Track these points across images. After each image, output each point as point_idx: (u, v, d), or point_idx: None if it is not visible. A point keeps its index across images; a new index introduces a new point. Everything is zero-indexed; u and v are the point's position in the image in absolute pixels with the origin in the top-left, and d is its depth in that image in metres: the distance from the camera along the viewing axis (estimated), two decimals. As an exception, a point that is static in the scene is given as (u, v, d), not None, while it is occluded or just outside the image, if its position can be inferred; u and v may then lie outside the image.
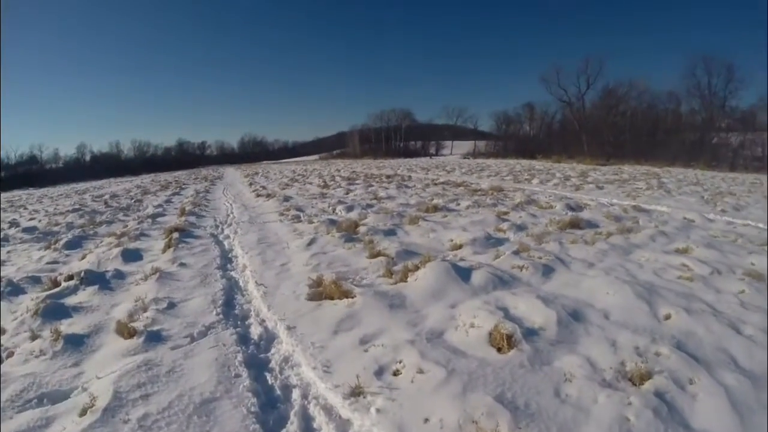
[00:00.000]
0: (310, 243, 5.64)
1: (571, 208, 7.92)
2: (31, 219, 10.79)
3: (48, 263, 5.68)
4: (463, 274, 3.95)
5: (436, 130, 66.80)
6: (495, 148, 44.89)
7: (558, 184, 12.90)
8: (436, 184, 13.61)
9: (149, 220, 8.58)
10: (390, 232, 6.25)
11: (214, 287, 4.28)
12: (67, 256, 6.04)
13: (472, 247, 5.16)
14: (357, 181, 15.58)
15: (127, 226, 8.13)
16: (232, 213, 9.37)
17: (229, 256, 5.61)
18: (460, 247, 5.28)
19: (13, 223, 10.04)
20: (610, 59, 54.70)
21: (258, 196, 12.03)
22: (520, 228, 6.16)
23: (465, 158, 42.11)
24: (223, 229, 7.40)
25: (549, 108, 42.02)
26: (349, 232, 6.12)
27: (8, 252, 6.67)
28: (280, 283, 4.27)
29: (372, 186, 13.46)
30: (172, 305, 3.83)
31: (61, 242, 6.67)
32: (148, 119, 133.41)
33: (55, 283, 4.62)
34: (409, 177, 17.73)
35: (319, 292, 3.91)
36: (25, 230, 8.51)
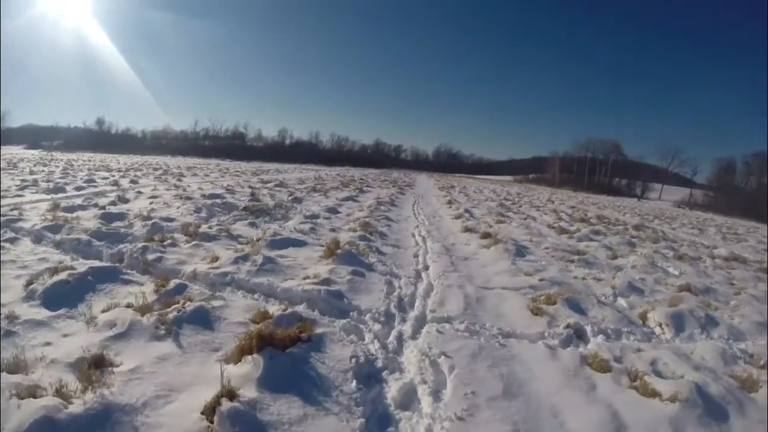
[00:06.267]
0: None
1: None
2: (149, 198, 8.42)
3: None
4: None
5: (641, 168, 59.29)
6: (715, 200, 37.81)
7: None
8: (726, 260, 7.83)
9: (264, 253, 4.47)
10: None
11: None
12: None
13: None
14: (600, 230, 9.69)
15: (217, 259, 4.23)
16: (424, 265, 4.98)
17: None
18: None
19: (121, 199, 7.64)
20: None
21: (467, 230, 7.65)
22: None
23: (679, 207, 35.90)
24: (401, 339, 2.96)
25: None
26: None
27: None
28: None
29: (632, 245, 8.20)
30: None
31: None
32: (347, 115, 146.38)
33: None
34: (663, 233, 11.74)
35: None
36: (106, 217, 5.61)
